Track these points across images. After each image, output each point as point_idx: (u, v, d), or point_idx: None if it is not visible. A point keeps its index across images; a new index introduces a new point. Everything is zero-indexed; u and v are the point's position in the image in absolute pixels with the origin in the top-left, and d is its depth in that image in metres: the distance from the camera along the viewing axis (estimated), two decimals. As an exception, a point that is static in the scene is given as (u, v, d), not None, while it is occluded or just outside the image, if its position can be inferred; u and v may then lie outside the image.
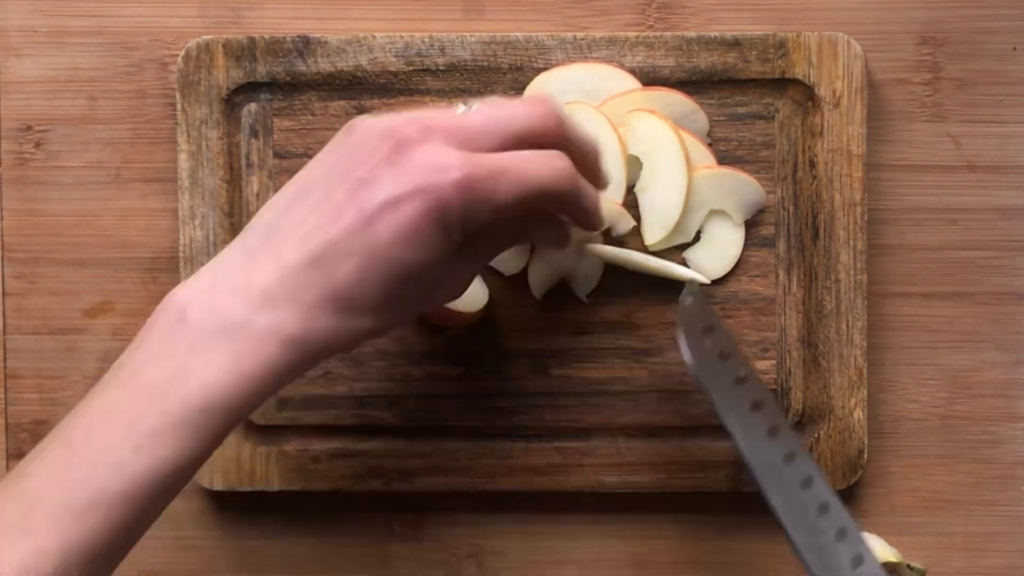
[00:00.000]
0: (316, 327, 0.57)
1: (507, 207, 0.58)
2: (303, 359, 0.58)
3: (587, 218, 0.64)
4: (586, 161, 0.64)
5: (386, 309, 0.59)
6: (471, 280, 0.64)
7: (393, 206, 0.57)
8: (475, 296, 0.72)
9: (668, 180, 0.71)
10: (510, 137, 0.60)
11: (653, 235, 0.72)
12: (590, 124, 0.70)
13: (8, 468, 0.76)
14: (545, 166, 0.60)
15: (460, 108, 0.61)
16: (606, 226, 0.71)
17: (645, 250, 0.72)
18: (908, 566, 0.74)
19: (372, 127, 0.59)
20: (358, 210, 0.57)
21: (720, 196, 0.72)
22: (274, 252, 0.58)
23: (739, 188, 0.72)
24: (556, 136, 0.61)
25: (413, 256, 0.57)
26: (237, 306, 0.57)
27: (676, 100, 0.72)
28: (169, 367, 0.57)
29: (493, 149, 0.59)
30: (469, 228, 0.58)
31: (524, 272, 0.73)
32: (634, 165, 0.72)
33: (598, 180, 0.65)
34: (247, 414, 0.58)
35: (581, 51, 0.73)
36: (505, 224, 0.62)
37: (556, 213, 0.64)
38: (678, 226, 0.72)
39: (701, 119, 0.73)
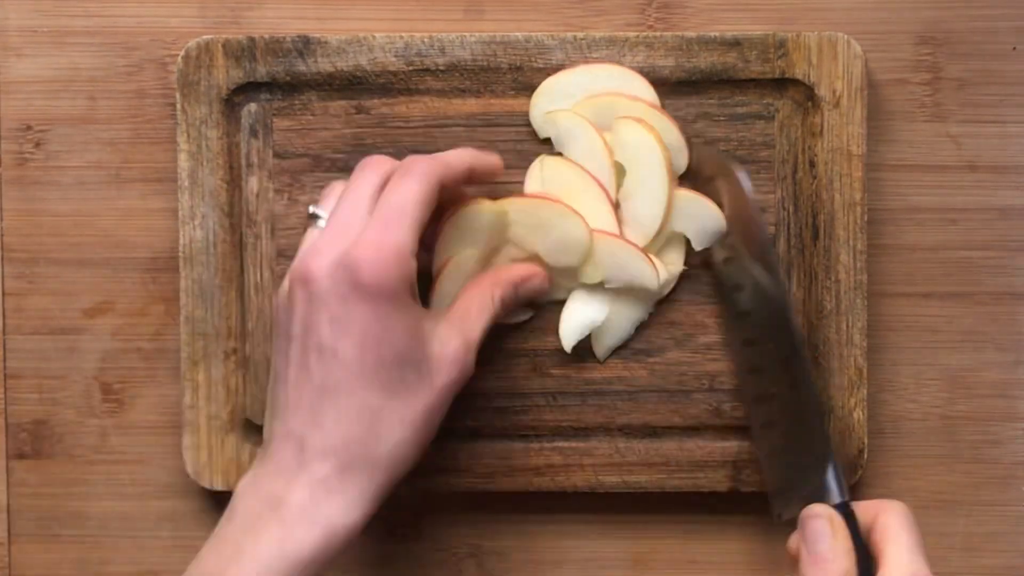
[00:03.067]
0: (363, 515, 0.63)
1: (413, 248, 0.64)
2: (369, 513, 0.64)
3: (477, 176, 0.69)
4: (485, 175, 0.69)
5: (409, 425, 0.64)
6: (462, 345, 0.66)
7: (352, 334, 0.62)
8: None
9: (650, 192, 0.71)
10: (419, 220, 0.64)
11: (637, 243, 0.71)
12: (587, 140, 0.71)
13: (8, 468, 0.76)
14: (414, 181, 0.65)
15: (318, 221, 0.67)
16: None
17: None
18: (908, 566, 0.74)
19: (287, 296, 0.65)
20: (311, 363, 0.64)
21: (683, 220, 0.72)
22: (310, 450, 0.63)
23: (700, 214, 0.72)
24: (452, 181, 0.67)
25: (392, 349, 0.63)
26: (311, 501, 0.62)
27: (667, 128, 0.72)
28: (268, 549, 0.61)
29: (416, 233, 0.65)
30: (402, 290, 0.63)
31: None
32: (622, 172, 0.72)
33: (496, 172, 0.70)
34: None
35: (581, 51, 0.73)
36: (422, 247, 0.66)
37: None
38: (657, 238, 0.71)
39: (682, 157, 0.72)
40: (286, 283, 0.65)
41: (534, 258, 0.71)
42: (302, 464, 0.62)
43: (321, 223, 0.66)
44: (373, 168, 0.66)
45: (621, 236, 0.71)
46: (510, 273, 0.70)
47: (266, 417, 0.66)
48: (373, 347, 0.62)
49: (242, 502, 0.63)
